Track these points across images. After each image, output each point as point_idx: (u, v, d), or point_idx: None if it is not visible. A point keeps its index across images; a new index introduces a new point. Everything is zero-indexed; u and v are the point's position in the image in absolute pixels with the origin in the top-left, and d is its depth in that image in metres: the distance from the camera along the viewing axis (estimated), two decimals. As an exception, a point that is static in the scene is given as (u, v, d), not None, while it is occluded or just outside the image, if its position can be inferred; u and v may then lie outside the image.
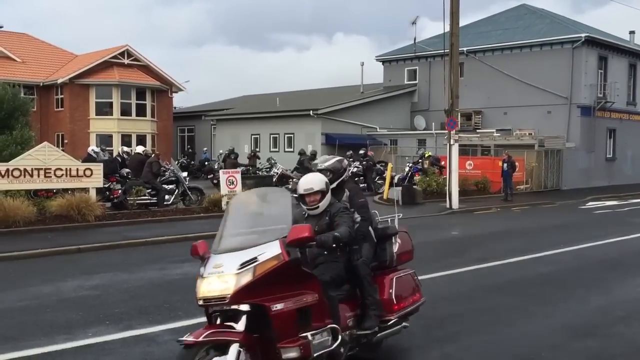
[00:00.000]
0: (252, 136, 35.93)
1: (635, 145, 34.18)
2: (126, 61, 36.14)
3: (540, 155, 27.39)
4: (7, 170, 13.50)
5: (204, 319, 6.72)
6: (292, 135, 33.82)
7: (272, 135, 35.04)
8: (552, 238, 13.35)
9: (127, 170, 17.21)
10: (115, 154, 30.60)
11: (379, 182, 23.92)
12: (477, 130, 31.47)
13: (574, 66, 29.73)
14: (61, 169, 14.20)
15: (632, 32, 36.52)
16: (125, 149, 19.93)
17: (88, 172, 14.59)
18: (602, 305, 7.70)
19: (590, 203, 22.70)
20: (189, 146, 41.93)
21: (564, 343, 6.18)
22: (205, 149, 36.96)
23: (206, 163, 32.25)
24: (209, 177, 26.16)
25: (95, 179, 14.75)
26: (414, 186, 21.77)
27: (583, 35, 29.62)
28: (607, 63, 31.47)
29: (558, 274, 9.51)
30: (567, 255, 11.25)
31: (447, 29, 20.06)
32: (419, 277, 6.01)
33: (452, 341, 6.15)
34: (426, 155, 25.26)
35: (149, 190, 16.45)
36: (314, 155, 24.01)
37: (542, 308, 7.53)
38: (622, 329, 6.63)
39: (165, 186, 17.07)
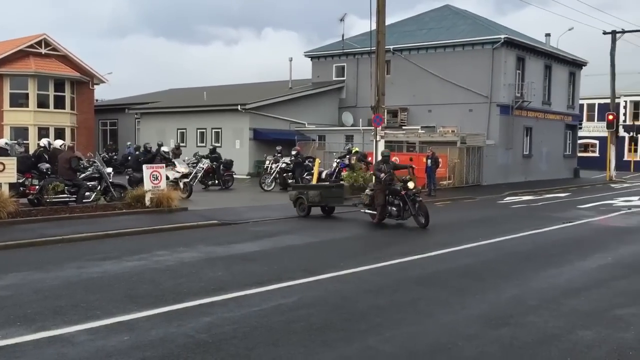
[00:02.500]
0: (179, 130, 35.21)
1: (549, 143, 35.99)
2: (43, 51, 34.54)
3: (462, 152, 28.32)
4: None
5: (123, 318, 6.58)
6: (219, 130, 33.38)
7: (199, 130, 34.46)
8: (472, 231, 13.85)
9: (47, 165, 16.41)
10: (31, 147, 29.26)
11: (307, 177, 24.01)
12: (403, 127, 32.16)
13: (494, 66, 30.91)
14: (-30, 163, 13.39)
15: (548, 35, 38.35)
16: (44, 141, 18.93)
17: (0, 167, 13.82)
18: (516, 295, 8.05)
19: (508, 198, 23.71)
20: (111, 141, 40.59)
21: (480, 332, 6.42)
22: (129, 143, 35.89)
23: (129, 157, 31.28)
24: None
25: (8, 174, 13.97)
26: (341, 182, 21.99)
27: (502, 36, 30.85)
28: (525, 64, 32.93)
29: (476, 266, 9.87)
30: (485, 248, 11.70)
31: (374, 27, 20.39)
32: (340, 273, 6.07)
33: (374, 333, 6.26)
34: (353, 151, 25.58)
35: (69, 186, 15.76)
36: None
37: (461, 299, 7.80)
38: (533, 317, 6.95)
39: (88, 183, 16.42)
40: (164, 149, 20.74)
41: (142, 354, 5.55)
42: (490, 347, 5.93)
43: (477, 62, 31.26)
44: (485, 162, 29.72)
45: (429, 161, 23.24)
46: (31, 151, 25.81)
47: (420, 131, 30.54)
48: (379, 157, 21.49)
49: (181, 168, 19.97)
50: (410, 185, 13.90)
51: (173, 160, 20.18)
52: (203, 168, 23.87)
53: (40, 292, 7.69)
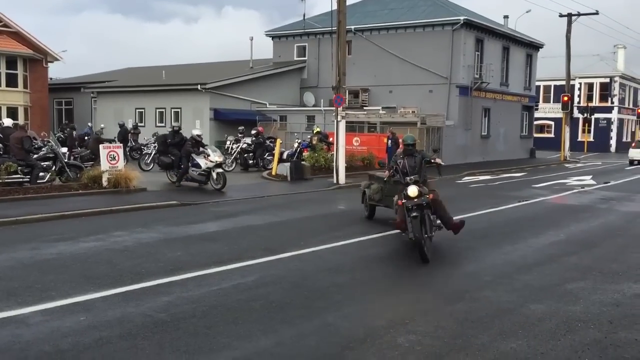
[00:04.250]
0: (137, 110, 34.54)
1: (507, 124, 36.69)
2: (-6, 27, 33.21)
3: (422, 132, 28.60)
4: None
5: (79, 299, 6.48)
6: (179, 110, 32.88)
7: (158, 110, 33.88)
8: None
9: (-2, 145, 15.93)
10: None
11: (269, 158, 23.93)
12: (364, 108, 32.29)
13: (454, 47, 31.21)
14: None
15: (506, 17, 38.95)
16: None
17: (-51, 146, 13.34)
18: (472, 271, 8.25)
19: (466, 178, 24.13)
20: (66, 120, 39.53)
21: (436, 307, 6.56)
22: (89, 124, 35.01)
23: (86, 137, 30.58)
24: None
25: (-42, 153, 13.52)
26: (303, 162, 22.00)
27: (462, 18, 31.13)
28: (484, 45, 33.36)
29: (433, 245, 10.04)
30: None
31: (335, 6, 20.29)
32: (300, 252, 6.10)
33: (333, 310, 6.33)
34: (315, 131, 25.57)
35: (22, 167, 15.32)
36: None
37: (417, 277, 7.95)
38: (488, 292, 7.14)
39: (42, 163, 15.99)
40: (196, 132, 17.85)
41: (99, 333, 5.49)
42: (445, 321, 6.08)
43: (437, 43, 31.51)
44: (444, 142, 30.12)
45: (390, 142, 23.43)
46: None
47: (381, 112, 30.72)
48: (340, 137, 21.42)
49: (215, 157, 16.89)
50: (412, 191, 8.67)
51: (206, 147, 17.37)
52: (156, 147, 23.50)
53: (-7, 274, 7.50)
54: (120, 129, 27.67)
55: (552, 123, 56.18)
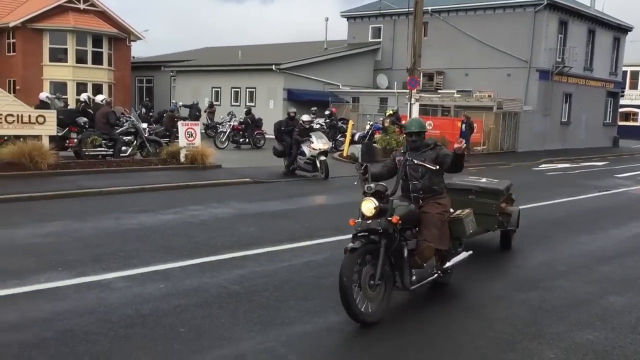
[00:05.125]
0: (213, 89, 35.36)
1: (589, 110, 35.08)
2: (82, 6, 34.76)
3: (498, 117, 27.85)
4: (-45, 114, 13.00)
5: (159, 267, 6.79)
6: (253, 90, 33.42)
7: (233, 89, 34.55)
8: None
9: (85, 119, 16.76)
10: (70, 102, 29.82)
11: (340, 139, 23.99)
12: (439, 91, 31.72)
13: (535, 30, 30.03)
14: (12, 115, 13.73)
15: (593, -2, 36.98)
16: (84, 96, 19.30)
17: (41, 119, 14.15)
18: (546, 260, 8.03)
19: (544, 165, 23.35)
20: (146, 98, 41.03)
21: (509, 295, 6.45)
22: (174, 101, 36.19)
23: (164, 115, 31.63)
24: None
25: (49, 126, 14.33)
26: (374, 144, 21.92)
27: (545, -1, 29.87)
28: (567, 28, 31.91)
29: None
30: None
31: (412, -14, 19.97)
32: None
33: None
34: (387, 113, 25.38)
35: (106, 140, 16.10)
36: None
37: (492, 263, 7.81)
38: (563, 282, 6.94)
39: (124, 137, 16.73)
40: (305, 118, 16.54)
41: (177, 301, 5.75)
42: (517, 309, 5.97)
43: (517, 25, 30.41)
44: (521, 128, 29.21)
45: (464, 126, 22.95)
46: (70, 106, 26.38)
47: (455, 95, 30.09)
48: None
49: (319, 144, 15.72)
50: (366, 208, 5.49)
51: (311, 134, 16.16)
52: (232, 125, 24.07)
53: (80, 241, 7.97)
54: (190, 110, 28.30)
55: (639, 111, 53.25)
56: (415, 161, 6.14)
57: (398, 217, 5.46)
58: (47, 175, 13.14)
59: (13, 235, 8.21)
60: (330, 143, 19.14)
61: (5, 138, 14.26)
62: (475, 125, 23.82)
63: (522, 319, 5.65)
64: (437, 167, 6.15)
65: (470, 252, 6.78)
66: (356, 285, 5.23)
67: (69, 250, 7.46)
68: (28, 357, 4.44)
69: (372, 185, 5.57)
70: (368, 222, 5.42)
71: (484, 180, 8.87)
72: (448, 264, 6.27)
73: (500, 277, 7.24)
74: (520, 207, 12.25)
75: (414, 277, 5.78)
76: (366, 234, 5.40)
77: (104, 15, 35.75)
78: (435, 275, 6.14)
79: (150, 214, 10.04)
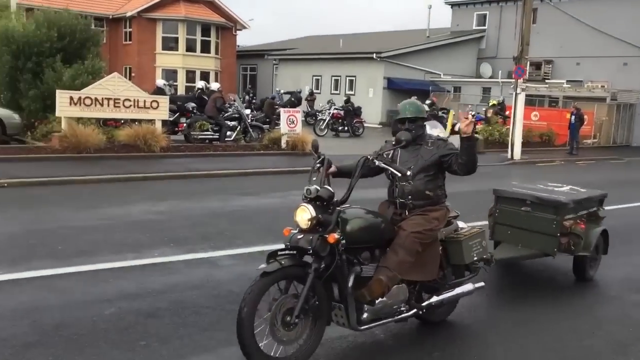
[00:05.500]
0: (314, 77, 35.81)
1: None
2: (192, -4, 36.29)
3: (612, 109, 26.25)
4: (80, 98, 14.04)
5: (262, 248, 7.04)
6: (353, 78, 33.52)
7: (333, 78, 34.83)
8: (614, 193, 12.92)
9: (193, 104, 17.60)
10: (180, 89, 31.33)
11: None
12: (546, 81, 30.34)
13: (657, 15, 27.93)
14: (129, 100, 14.65)
15: None
16: (201, 84, 20.35)
17: (155, 104, 15.00)
18: (664, 261, 7.53)
19: (661, 161, 21.76)
20: (249, 85, 42.26)
21: (621, 295, 6.13)
22: (278, 89, 37.14)
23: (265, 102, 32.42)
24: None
25: (162, 111, 15.17)
26: (476, 134, 21.30)
27: (671, -18, 27.67)
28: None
29: (623, 229, 9.29)
30: (633, 211, 10.95)
31: (523, -29, 19.17)
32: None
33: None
34: (490, 104, 24.63)
35: (212, 125, 16.81)
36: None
37: (604, 259, 7.43)
38: (683, 285, 6.49)
39: (228, 122, 17.40)
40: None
41: (280, 281, 5.93)
42: (630, 310, 5.66)
43: (636, 11, 28.37)
44: (637, 121, 27.36)
45: (573, 117, 21.85)
46: (179, 93, 27.75)
47: (565, 85, 28.65)
48: (517, 111, 20.05)
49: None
50: (300, 217, 4.18)
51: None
52: (332, 113, 24.29)
53: (190, 219, 8.41)
54: (290, 98, 28.76)
55: None
56: (376, 162, 4.60)
57: (338, 236, 3.97)
58: (159, 157, 13.93)
59: (130, 211, 8.80)
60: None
61: (122, 121, 15.25)
62: (585, 117, 22.61)
63: (636, 321, 5.36)
64: (409, 173, 4.44)
65: (482, 283, 5.08)
66: (264, 321, 3.92)
67: (180, 227, 7.89)
68: (144, 324, 4.77)
69: (312, 188, 4.14)
70: (299, 237, 4.05)
71: (565, 188, 6.77)
72: (434, 299, 4.63)
73: (616, 275, 6.87)
74: (633, 204, 11.59)
75: (364, 315, 4.18)
76: (294, 252, 4.09)
77: (212, 5, 37.10)
78: (408, 314, 4.47)
79: (254, 197, 10.40)
